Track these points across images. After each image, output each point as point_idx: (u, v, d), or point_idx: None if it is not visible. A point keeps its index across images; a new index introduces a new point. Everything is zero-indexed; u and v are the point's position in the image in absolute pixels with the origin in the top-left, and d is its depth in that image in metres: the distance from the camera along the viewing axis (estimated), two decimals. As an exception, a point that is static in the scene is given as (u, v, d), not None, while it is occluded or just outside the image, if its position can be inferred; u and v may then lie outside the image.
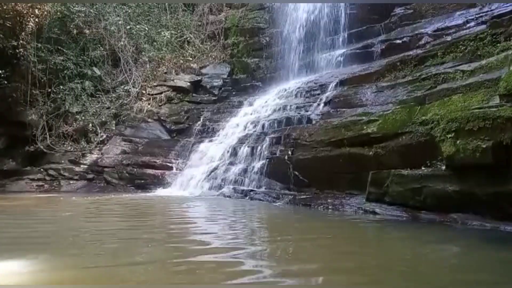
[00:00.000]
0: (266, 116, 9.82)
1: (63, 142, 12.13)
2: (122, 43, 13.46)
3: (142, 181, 10.52)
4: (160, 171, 10.53)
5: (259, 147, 8.51)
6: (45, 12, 12.34)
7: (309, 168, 7.07)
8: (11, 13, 11.23)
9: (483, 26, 7.60)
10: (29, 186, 11.12)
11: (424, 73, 7.41)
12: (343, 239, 4.03)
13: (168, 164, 10.70)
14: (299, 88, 10.25)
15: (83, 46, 13.39)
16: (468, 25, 8.30)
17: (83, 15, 13.12)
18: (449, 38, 8.18)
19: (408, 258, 3.22)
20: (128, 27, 13.68)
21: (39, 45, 12.26)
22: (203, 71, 13.57)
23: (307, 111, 9.03)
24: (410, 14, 10.11)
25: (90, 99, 12.86)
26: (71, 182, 11.12)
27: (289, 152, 7.54)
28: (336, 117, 7.73)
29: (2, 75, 11.46)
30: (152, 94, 13.03)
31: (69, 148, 11.95)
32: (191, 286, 2.42)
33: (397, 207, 5.14)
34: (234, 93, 12.92)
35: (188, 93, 13.06)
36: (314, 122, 8.28)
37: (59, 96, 12.42)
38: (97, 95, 13.06)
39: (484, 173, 4.27)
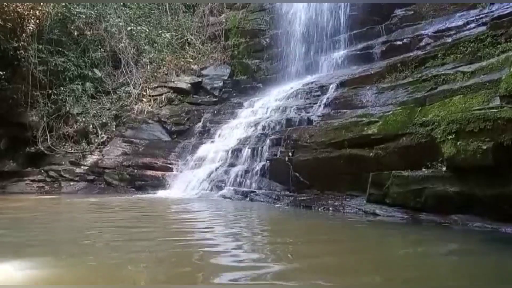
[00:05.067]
0: (267, 117, 9.82)
1: (63, 143, 12.14)
2: (122, 44, 13.47)
3: (143, 182, 10.52)
4: (161, 172, 10.53)
5: (259, 149, 8.50)
6: (46, 14, 12.35)
7: (310, 170, 7.06)
8: (12, 14, 11.25)
9: (484, 28, 7.60)
10: (29, 187, 11.12)
11: (425, 74, 7.40)
12: (343, 241, 4.02)
13: (168, 165, 10.71)
14: (299, 89, 10.25)
15: (84, 48, 13.41)
16: (468, 26, 8.30)
17: (84, 16, 13.15)
18: (449, 40, 8.17)
19: (408, 259, 3.21)
20: (129, 28, 13.71)
21: (40, 46, 12.27)
22: (204, 72, 13.58)
23: (307, 112, 9.02)
24: (410, 16, 10.11)
25: (90, 100, 12.88)
26: (72, 183, 11.12)
27: (290, 154, 7.53)
28: (337, 119, 7.72)
29: (3, 77, 11.48)
30: (153, 96, 13.04)
31: (70, 149, 11.96)
32: (191, 286, 2.42)
33: (397, 209, 5.13)
34: (234, 94, 12.92)
35: (189, 94, 13.07)
36: (314, 123, 8.27)
37: (60, 97, 12.43)
38: (98, 97, 13.08)
39: (484, 175, 4.26)
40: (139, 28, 13.93)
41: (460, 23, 8.59)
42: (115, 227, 4.88)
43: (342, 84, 9.19)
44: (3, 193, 10.56)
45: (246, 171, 8.32)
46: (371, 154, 6.10)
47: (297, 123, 8.68)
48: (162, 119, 12.29)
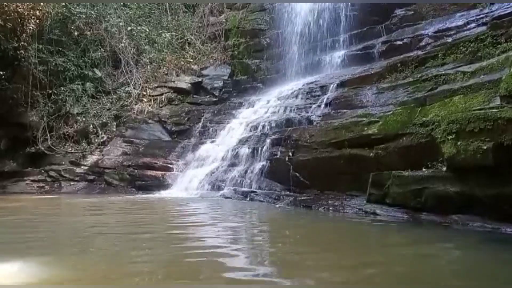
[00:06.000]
0: (267, 117, 9.82)
1: (63, 143, 12.14)
2: (123, 44, 13.47)
3: (143, 182, 10.52)
4: (161, 172, 10.53)
5: (259, 149, 8.50)
6: (46, 14, 12.35)
7: (310, 169, 7.06)
8: (12, 14, 11.25)
9: (484, 28, 7.59)
10: (29, 187, 11.12)
11: (425, 74, 7.40)
12: (343, 241, 4.03)
13: (168, 165, 10.70)
14: (299, 89, 10.25)
15: (84, 48, 13.41)
16: (468, 26, 8.29)
17: (84, 16, 13.13)
18: (449, 40, 8.16)
19: (408, 259, 3.21)
20: (129, 28, 13.70)
21: (40, 46, 12.27)
22: (204, 72, 13.58)
23: (307, 112, 9.02)
24: (410, 16, 10.10)
25: (91, 100, 12.87)
26: (72, 183, 11.12)
27: (290, 153, 7.53)
28: (337, 118, 7.72)
29: (3, 77, 11.47)
30: (153, 96, 13.03)
31: (70, 149, 11.96)
32: (191, 286, 2.42)
33: (397, 208, 5.13)
34: (234, 94, 12.92)
35: (189, 94, 13.07)
36: (314, 123, 8.28)
37: (60, 97, 12.43)
38: (98, 97, 13.07)
39: (485, 174, 4.26)
40: (139, 28, 13.92)
41: (460, 23, 8.58)
42: (114, 227, 4.88)
43: (342, 84, 9.20)
44: (4, 193, 10.56)
45: (246, 171, 8.32)
46: (371, 154, 6.10)
47: (297, 123, 8.68)
48: (162, 119, 12.29)
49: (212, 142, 10.60)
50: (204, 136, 11.32)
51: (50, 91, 12.50)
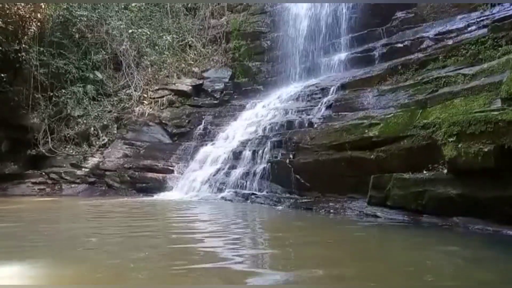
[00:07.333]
0: (268, 119, 9.81)
1: (64, 145, 12.16)
2: (124, 47, 13.50)
3: (144, 184, 10.52)
4: (162, 174, 10.53)
5: (260, 151, 8.50)
6: (47, 16, 12.40)
7: (311, 172, 7.05)
8: (14, 17, 11.29)
9: (484, 30, 7.60)
10: (30, 189, 11.15)
11: (426, 76, 7.40)
12: (344, 244, 4.02)
13: (169, 167, 10.70)
14: (300, 91, 10.26)
15: (85, 50, 13.45)
16: (469, 28, 8.30)
17: (85, 19, 13.18)
18: (450, 42, 8.17)
19: (409, 262, 3.20)
20: (130, 31, 13.72)
21: (41, 49, 12.31)
22: (205, 74, 13.59)
23: (308, 114, 9.02)
24: (411, 18, 10.12)
25: (92, 102, 12.90)
26: (73, 185, 11.13)
27: (291, 156, 7.53)
28: (338, 121, 7.72)
29: (5, 79, 11.51)
30: (154, 98, 13.05)
31: (71, 151, 11.98)
32: (191, 286, 2.42)
33: (398, 211, 5.12)
34: (235, 96, 12.93)
35: (190, 96, 13.08)
36: (315, 125, 8.28)
37: (61, 99, 12.46)
38: (99, 99, 13.10)
39: (486, 177, 4.25)
40: (140, 30, 13.94)
41: (461, 25, 8.59)
42: (114, 229, 4.88)
43: (343, 87, 9.20)
44: (5, 195, 10.57)
45: (247, 173, 8.32)
46: (372, 156, 6.10)
47: (298, 126, 8.68)
48: (163, 122, 12.30)
49: (213, 144, 10.60)
50: (205, 138, 11.33)
51: (51, 94, 12.55)
